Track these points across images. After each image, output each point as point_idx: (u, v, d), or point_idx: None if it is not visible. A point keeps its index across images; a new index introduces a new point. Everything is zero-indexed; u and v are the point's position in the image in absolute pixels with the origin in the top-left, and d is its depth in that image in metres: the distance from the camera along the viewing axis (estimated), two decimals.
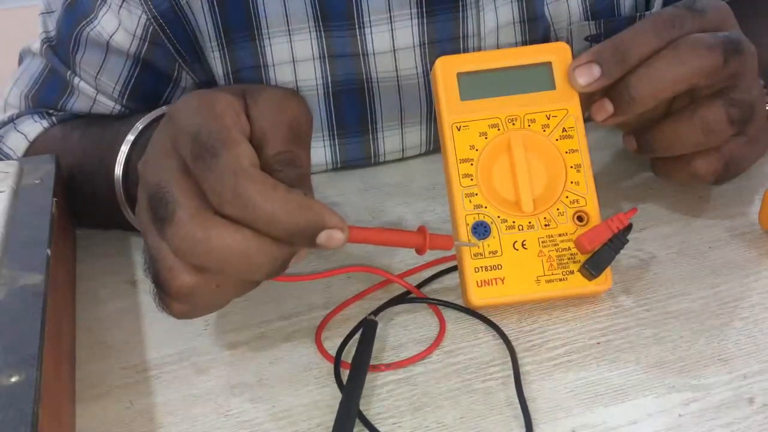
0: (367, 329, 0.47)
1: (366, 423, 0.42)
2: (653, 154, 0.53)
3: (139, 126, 0.53)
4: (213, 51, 0.59)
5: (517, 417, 0.42)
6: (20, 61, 0.70)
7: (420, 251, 0.46)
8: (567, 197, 0.48)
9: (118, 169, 0.52)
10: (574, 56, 0.49)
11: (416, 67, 0.61)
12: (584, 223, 0.48)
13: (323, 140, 0.64)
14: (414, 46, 0.60)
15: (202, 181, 0.38)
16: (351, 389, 0.43)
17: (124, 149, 0.52)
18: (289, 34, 0.59)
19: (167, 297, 0.41)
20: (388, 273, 0.51)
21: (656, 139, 0.51)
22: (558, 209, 0.48)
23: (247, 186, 0.37)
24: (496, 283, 0.47)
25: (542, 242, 0.48)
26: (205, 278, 0.39)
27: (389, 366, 0.45)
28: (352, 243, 0.41)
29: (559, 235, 0.48)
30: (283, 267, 0.40)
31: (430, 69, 0.50)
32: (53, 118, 0.65)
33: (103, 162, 0.54)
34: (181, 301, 0.41)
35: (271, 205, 0.37)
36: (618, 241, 0.47)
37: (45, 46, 0.65)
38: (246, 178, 0.37)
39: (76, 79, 0.63)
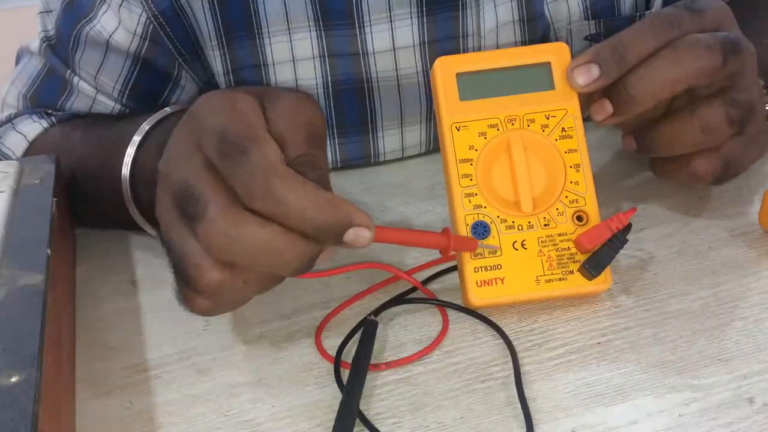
0: (367, 329, 0.47)
1: (366, 423, 0.42)
2: (653, 154, 0.53)
3: (146, 127, 0.53)
4: (213, 50, 0.59)
5: (517, 417, 0.42)
6: (18, 60, 0.69)
7: (444, 252, 0.46)
8: (566, 197, 0.48)
9: (125, 170, 0.52)
10: (573, 56, 0.49)
11: (416, 67, 0.61)
12: (584, 222, 0.48)
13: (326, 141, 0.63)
14: (414, 46, 0.60)
15: (231, 178, 0.38)
16: (351, 389, 0.43)
17: (131, 151, 0.52)
18: (289, 33, 0.59)
19: (193, 293, 0.41)
20: (398, 269, 0.51)
21: (656, 139, 0.51)
22: (557, 209, 0.48)
23: (278, 182, 0.38)
24: (496, 283, 0.47)
25: (542, 242, 0.48)
26: (233, 274, 0.40)
27: (389, 365, 0.45)
28: (378, 242, 0.42)
29: (559, 234, 0.48)
30: (310, 264, 0.41)
31: (430, 68, 0.50)
32: (52, 118, 0.65)
33: (106, 162, 0.54)
34: (208, 297, 0.41)
35: (301, 202, 0.38)
36: (617, 240, 0.47)
37: (44, 45, 0.65)
38: (276, 175, 0.38)
39: (76, 79, 0.63)
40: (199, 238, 0.39)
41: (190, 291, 0.41)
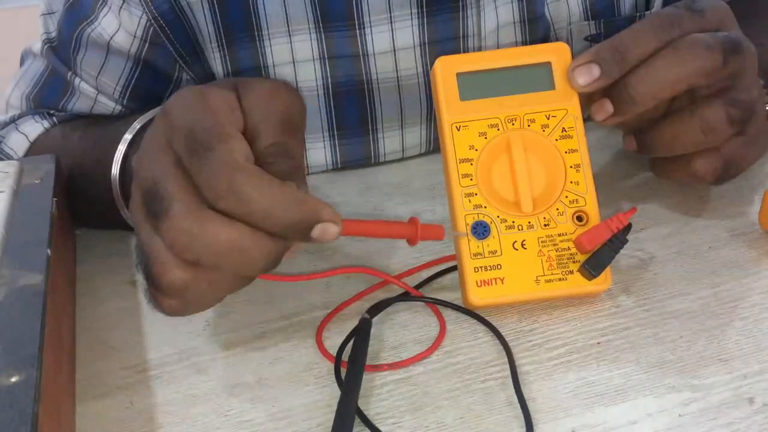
0: (361, 328, 0.47)
1: (366, 422, 0.42)
2: (653, 154, 0.53)
3: (137, 125, 0.53)
4: (213, 52, 0.59)
5: (517, 417, 0.42)
6: (22, 62, 0.70)
7: (411, 242, 0.46)
8: (566, 197, 0.48)
9: (115, 169, 0.52)
10: (573, 56, 0.49)
11: (416, 67, 0.61)
12: (584, 222, 0.48)
13: (323, 141, 0.64)
14: (414, 46, 0.60)
15: (196, 176, 0.38)
16: (348, 388, 0.43)
17: (122, 148, 0.52)
18: (290, 35, 0.59)
19: (158, 292, 0.40)
20: (385, 274, 0.51)
21: (656, 139, 0.51)
22: (557, 209, 0.48)
23: (242, 180, 0.37)
24: (496, 283, 0.47)
25: (542, 242, 0.48)
26: (198, 273, 0.39)
27: (390, 366, 0.45)
28: (346, 236, 0.41)
29: (559, 234, 0.48)
30: (276, 261, 0.40)
31: (430, 69, 0.50)
32: (54, 118, 0.65)
33: (101, 161, 0.54)
34: (173, 297, 0.40)
35: (266, 200, 0.38)
36: (617, 241, 0.47)
37: (46, 47, 0.65)
38: (241, 173, 0.38)
39: (77, 80, 0.63)
40: (162, 236, 0.38)
41: (155, 290, 0.41)
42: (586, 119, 0.50)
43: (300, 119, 0.45)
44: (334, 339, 0.48)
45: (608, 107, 0.49)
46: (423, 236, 0.46)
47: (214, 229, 0.38)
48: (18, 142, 0.65)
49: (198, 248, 0.38)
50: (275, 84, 0.44)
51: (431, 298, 0.50)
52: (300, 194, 0.39)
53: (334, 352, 0.46)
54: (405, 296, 0.50)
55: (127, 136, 0.52)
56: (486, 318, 0.48)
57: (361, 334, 0.46)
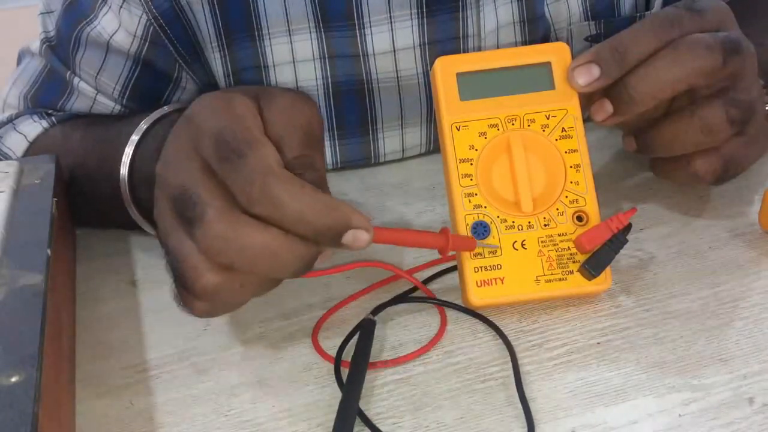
0: (365, 328, 0.47)
1: (367, 422, 0.42)
2: (653, 154, 0.53)
3: (143, 126, 0.53)
4: (213, 51, 0.59)
5: (517, 417, 0.42)
6: (19, 61, 0.69)
7: (442, 252, 0.46)
8: (566, 197, 0.48)
9: (124, 170, 0.52)
10: (573, 56, 0.49)
11: (416, 68, 0.61)
12: (584, 222, 0.48)
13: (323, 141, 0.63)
14: (414, 47, 0.60)
15: (229, 181, 0.39)
16: (350, 388, 0.43)
17: (129, 150, 0.52)
18: (290, 35, 0.59)
19: (190, 295, 0.41)
20: (397, 268, 0.51)
21: (656, 139, 0.51)
22: (557, 209, 0.48)
23: (276, 185, 0.38)
24: (496, 283, 0.47)
25: (542, 242, 0.48)
26: (229, 277, 0.40)
27: (387, 363, 0.45)
28: (376, 243, 0.42)
29: (559, 234, 0.48)
30: (309, 266, 0.41)
31: (430, 69, 0.50)
32: (53, 118, 0.65)
33: (105, 162, 0.54)
34: (205, 300, 0.41)
35: (299, 205, 0.38)
36: (617, 241, 0.47)
37: (44, 46, 0.65)
38: (274, 178, 0.38)
39: (76, 80, 0.63)
40: (197, 241, 0.39)
41: (187, 294, 0.41)
42: (586, 119, 0.50)
43: (319, 132, 0.45)
44: (334, 339, 0.48)
45: (608, 107, 0.49)
46: (454, 247, 0.46)
47: (248, 234, 0.38)
48: (17, 142, 0.65)
49: (232, 253, 0.38)
50: (296, 96, 0.45)
51: (432, 298, 0.50)
52: (332, 200, 0.39)
53: (333, 352, 0.46)
54: (407, 297, 0.50)
55: (134, 138, 0.53)
56: (488, 317, 0.48)
57: (364, 335, 0.46)
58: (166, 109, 0.54)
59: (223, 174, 0.39)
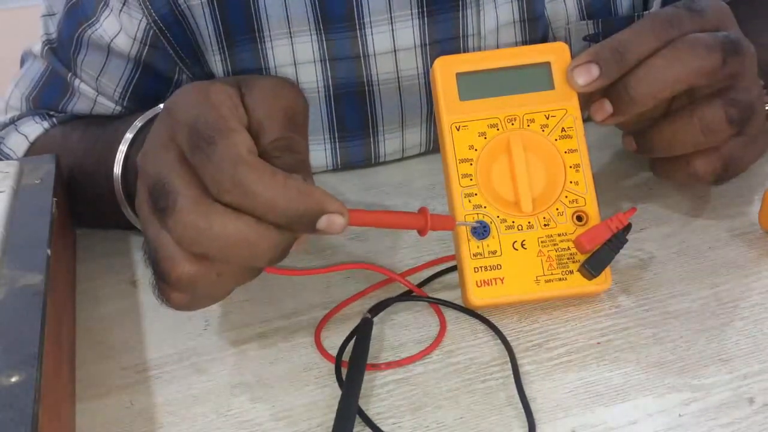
0: (362, 327, 0.47)
1: (367, 422, 0.42)
2: (652, 154, 0.53)
3: (138, 124, 0.53)
4: (214, 54, 0.59)
5: (517, 417, 0.42)
6: (22, 63, 0.70)
7: (422, 232, 0.45)
8: (566, 197, 0.48)
9: (117, 168, 0.52)
10: (572, 56, 0.49)
11: (417, 68, 0.61)
12: (583, 222, 0.48)
13: (324, 142, 0.63)
14: (414, 47, 0.60)
15: (201, 170, 0.38)
16: (348, 387, 0.43)
17: (123, 148, 0.52)
18: (290, 37, 0.59)
19: (167, 287, 0.41)
20: (390, 271, 0.51)
21: (655, 139, 0.51)
22: (557, 209, 0.48)
23: (246, 173, 0.38)
24: (496, 283, 0.47)
25: (542, 242, 0.48)
26: (205, 267, 0.40)
27: (389, 365, 0.45)
28: (354, 226, 0.41)
29: (559, 234, 0.48)
30: (284, 253, 0.40)
31: (430, 69, 0.50)
32: (54, 119, 0.65)
33: (102, 161, 0.54)
34: (182, 291, 0.41)
35: (270, 192, 0.38)
36: (617, 240, 0.47)
37: (46, 48, 0.65)
38: (244, 166, 0.38)
39: (77, 81, 0.63)
40: (170, 231, 0.39)
41: (164, 284, 0.41)
42: (586, 119, 0.50)
43: (303, 115, 0.45)
44: (334, 339, 0.48)
45: (608, 107, 0.49)
46: (433, 226, 0.45)
47: (220, 223, 0.38)
48: (18, 143, 0.65)
49: (205, 241, 0.38)
50: (278, 81, 0.45)
51: (432, 298, 0.50)
52: (305, 186, 0.39)
53: (334, 352, 0.46)
54: (405, 296, 0.50)
55: (128, 136, 0.53)
56: (487, 318, 0.48)
57: (362, 334, 0.46)
58: (161, 107, 0.54)
59: (195, 163, 0.39)
